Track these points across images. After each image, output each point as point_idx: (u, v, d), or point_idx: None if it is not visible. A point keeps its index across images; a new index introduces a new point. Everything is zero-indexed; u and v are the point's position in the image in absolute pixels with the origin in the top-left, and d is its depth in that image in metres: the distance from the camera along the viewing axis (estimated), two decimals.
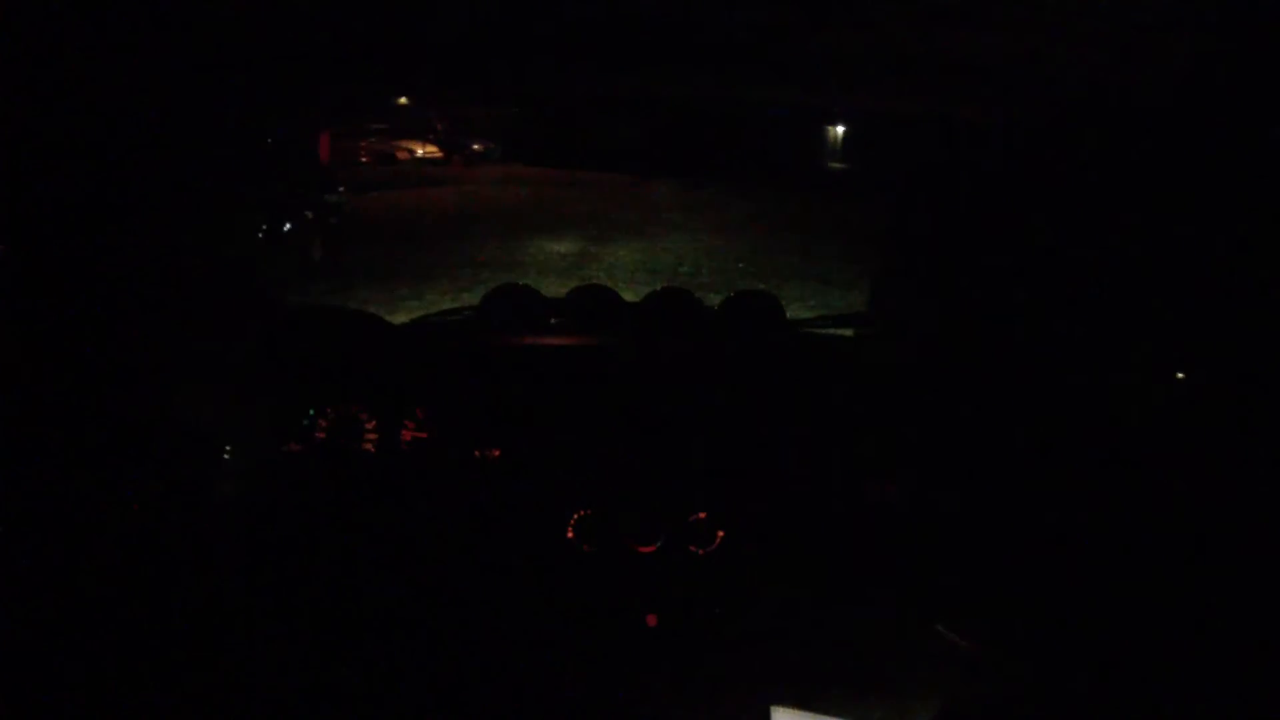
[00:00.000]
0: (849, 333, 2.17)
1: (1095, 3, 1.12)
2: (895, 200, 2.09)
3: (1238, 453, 1.32)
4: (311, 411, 1.72)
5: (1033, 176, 1.70)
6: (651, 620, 1.60)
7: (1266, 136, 1.19)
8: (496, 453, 1.72)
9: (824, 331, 2.13)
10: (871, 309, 2.16)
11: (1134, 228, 1.51)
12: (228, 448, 1.62)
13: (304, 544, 1.65)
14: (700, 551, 1.65)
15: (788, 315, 2.04)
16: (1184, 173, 1.37)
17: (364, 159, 15.16)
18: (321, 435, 1.72)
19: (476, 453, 1.72)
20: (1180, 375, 1.44)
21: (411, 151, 16.16)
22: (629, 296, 2.08)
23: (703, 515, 1.65)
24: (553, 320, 2.04)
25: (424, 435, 1.73)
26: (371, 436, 1.72)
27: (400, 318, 2.14)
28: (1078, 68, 1.28)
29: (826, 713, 1.40)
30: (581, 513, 1.65)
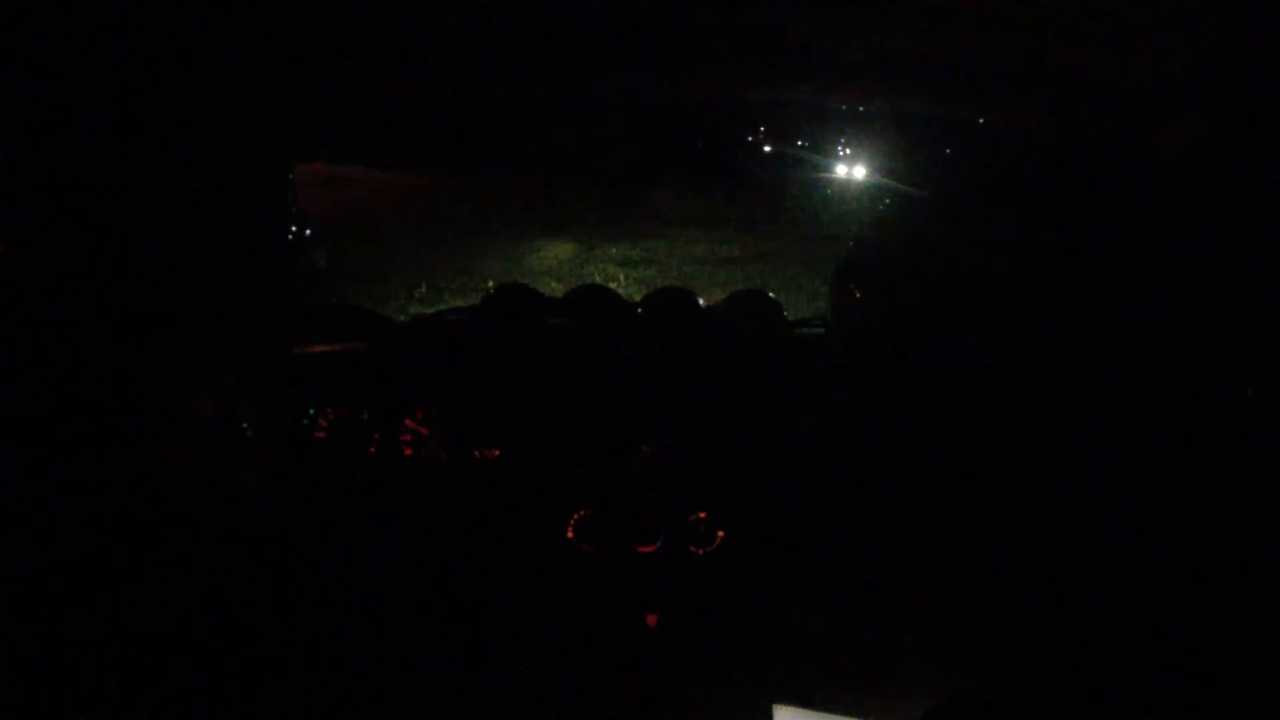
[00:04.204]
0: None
1: (1095, 3, 1.13)
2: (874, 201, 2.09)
3: (1221, 451, 1.33)
4: (311, 411, 1.72)
5: (1033, 177, 1.70)
6: (651, 620, 1.60)
7: (1266, 137, 1.20)
8: (496, 453, 1.72)
9: (823, 331, 2.13)
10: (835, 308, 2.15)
11: (1124, 230, 1.51)
12: (231, 445, 1.62)
13: (303, 542, 1.65)
14: (700, 551, 1.65)
15: (787, 315, 2.05)
16: (1182, 176, 1.38)
17: None
18: (321, 435, 1.72)
19: (476, 453, 1.72)
20: (1169, 377, 1.44)
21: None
22: (629, 296, 2.09)
23: (703, 515, 1.66)
24: (553, 320, 2.04)
25: (424, 435, 1.73)
26: (372, 436, 1.72)
27: (400, 318, 2.14)
28: (1078, 68, 1.28)
29: (829, 711, 1.40)
30: (581, 513, 1.65)
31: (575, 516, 1.65)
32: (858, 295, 1.95)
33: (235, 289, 1.55)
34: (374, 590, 1.64)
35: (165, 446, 1.47)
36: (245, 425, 1.57)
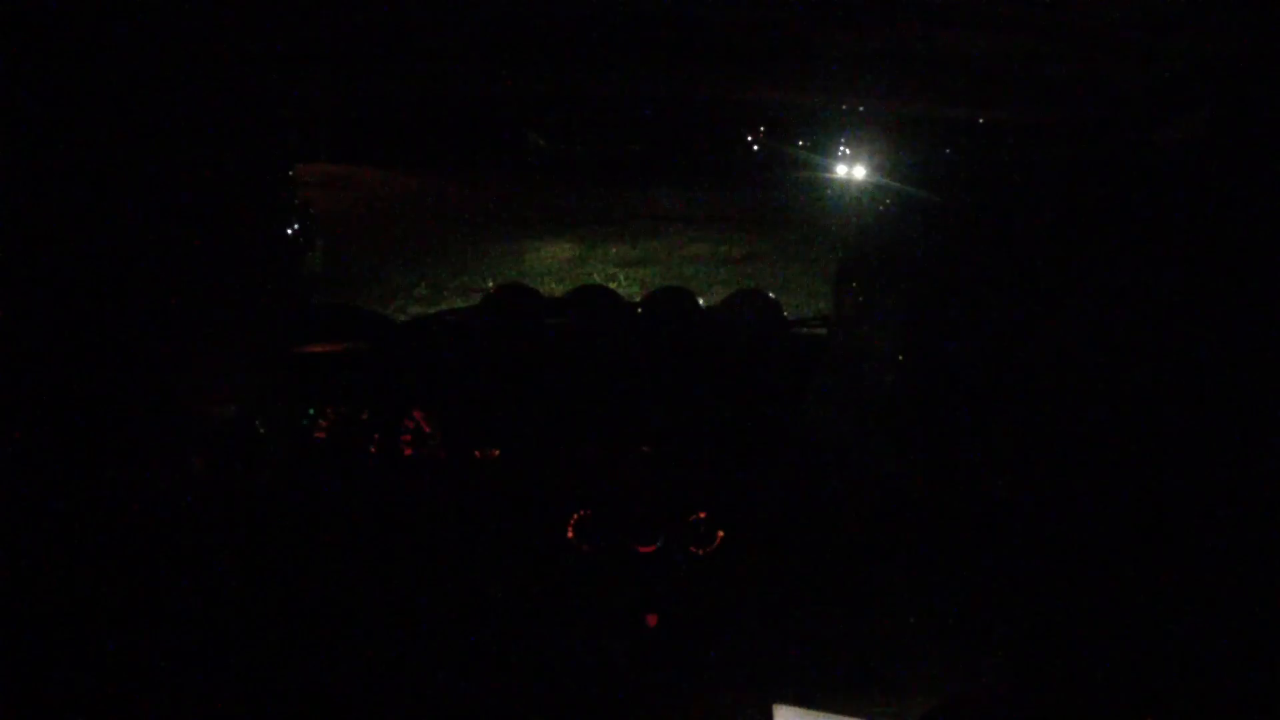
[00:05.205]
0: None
1: (1095, 3, 1.13)
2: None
3: (1230, 450, 1.32)
4: (311, 411, 1.72)
5: (1027, 178, 1.70)
6: (651, 620, 1.60)
7: (1266, 137, 1.20)
8: (496, 453, 1.72)
9: (823, 331, 2.13)
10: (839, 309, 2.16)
11: (1125, 230, 1.51)
12: (232, 445, 1.62)
13: (303, 542, 1.65)
14: (700, 551, 1.65)
15: (786, 315, 2.05)
16: (1182, 177, 1.37)
17: None
18: (321, 435, 1.72)
19: (476, 453, 1.72)
20: (1170, 377, 1.44)
21: None
22: (629, 296, 2.09)
23: (703, 515, 1.66)
24: (552, 320, 2.04)
25: (424, 435, 1.73)
26: (372, 436, 1.72)
27: (400, 318, 2.14)
28: (1078, 68, 1.28)
29: (829, 711, 1.40)
30: (581, 513, 1.65)
31: (575, 516, 1.65)
32: (858, 295, 1.95)
33: (235, 289, 1.55)
34: (374, 590, 1.64)
35: (166, 447, 1.47)
36: (247, 426, 1.57)
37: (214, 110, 1.36)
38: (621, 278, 7.84)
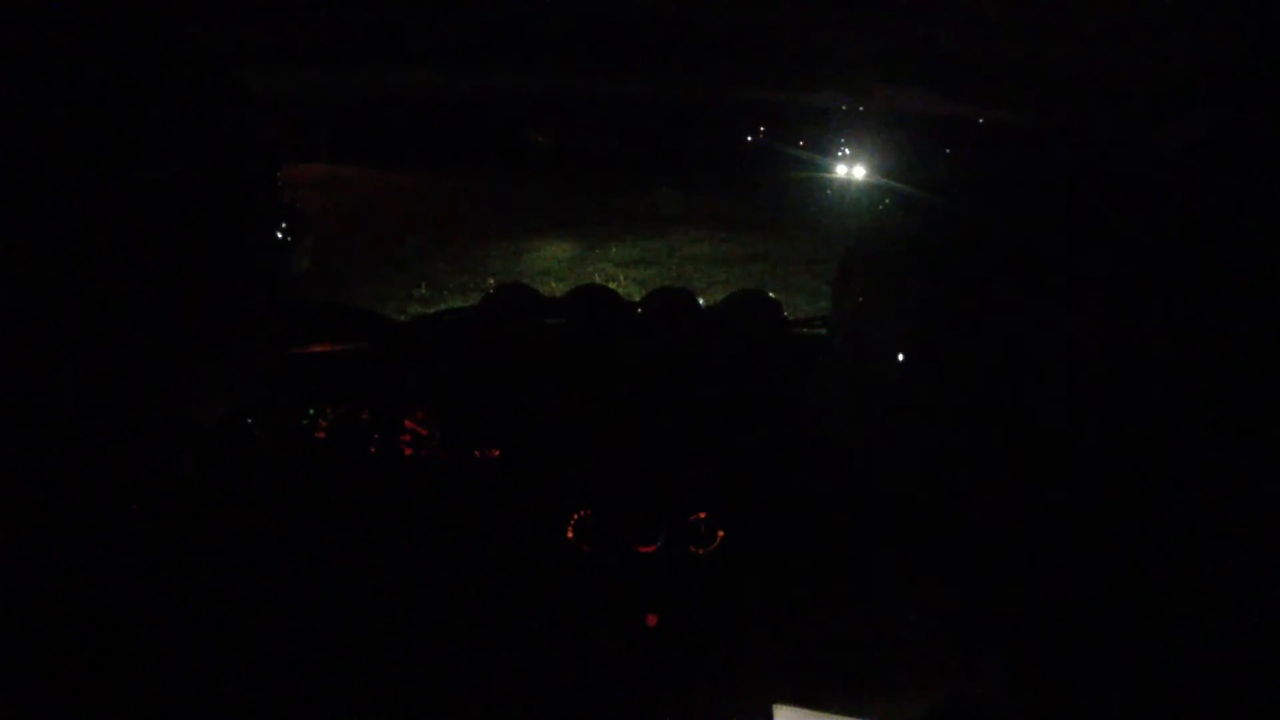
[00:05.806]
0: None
1: (1095, 3, 1.13)
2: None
3: (1231, 451, 1.32)
4: (311, 411, 1.72)
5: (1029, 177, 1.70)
6: (651, 620, 1.60)
7: (1266, 138, 1.20)
8: (496, 453, 1.73)
9: (823, 331, 2.13)
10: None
11: (1124, 230, 1.51)
12: (230, 445, 1.62)
13: (302, 543, 1.65)
14: (700, 551, 1.65)
15: (786, 315, 2.05)
16: (1182, 176, 1.37)
17: None
18: (321, 435, 1.72)
19: (476, 453, 1.72)
20: (1167, 374, 1.44)
21: None
22: (629, 296, 2.09)
23: (703, 515, 1.66)
24: (552, 320, 2.05)
25: (424, 435, 1.73)
26: (372, 436, 1.72)
27: (400, 317, 2.14)
28: (1078, 68, 1.28)
29: (829, 711, 1.40)
30: (581, 513, 1.65)
31: (575, 516, 1.65)
32: (858, 295, 1.95)
33: (233, 289, 1.55)
34: (373, 590, 1.64)
35: (163, 448, 1.47)
36: (240, 427, 1.57)
37: (207, 109, 1.36)
38: (621, 278, 7.84)
